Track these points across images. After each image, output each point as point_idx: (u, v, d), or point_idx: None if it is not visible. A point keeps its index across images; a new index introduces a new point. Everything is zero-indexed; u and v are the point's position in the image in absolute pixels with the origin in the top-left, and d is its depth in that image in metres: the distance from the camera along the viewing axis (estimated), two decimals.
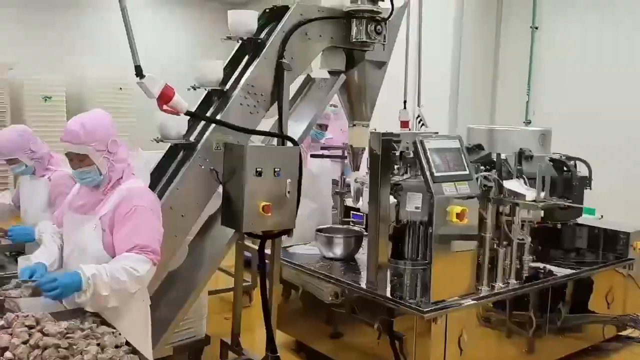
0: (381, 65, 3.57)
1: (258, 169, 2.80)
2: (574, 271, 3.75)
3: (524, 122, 6.85)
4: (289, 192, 2.91)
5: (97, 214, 2.24)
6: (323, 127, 4.73)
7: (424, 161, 2.87)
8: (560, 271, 3.68)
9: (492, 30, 7.07)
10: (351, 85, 3.53)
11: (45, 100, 8.38)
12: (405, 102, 4.65)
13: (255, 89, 3.00)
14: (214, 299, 4.37)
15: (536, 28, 6.77)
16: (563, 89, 6.54)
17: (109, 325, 2.00)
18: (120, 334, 1.89)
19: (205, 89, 3.00)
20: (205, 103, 3.09)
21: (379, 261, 3.18)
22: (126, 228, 2.16)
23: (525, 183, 3.28)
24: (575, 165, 3.95)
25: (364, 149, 3.59)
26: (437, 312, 2.86)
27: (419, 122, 4.78)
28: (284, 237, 4.67)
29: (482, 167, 3.21)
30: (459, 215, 2.84)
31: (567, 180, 3.81)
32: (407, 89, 4.66)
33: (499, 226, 3.22)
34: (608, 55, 6.14)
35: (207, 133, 2.89)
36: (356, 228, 3.88)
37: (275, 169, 2.86)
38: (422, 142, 2.90)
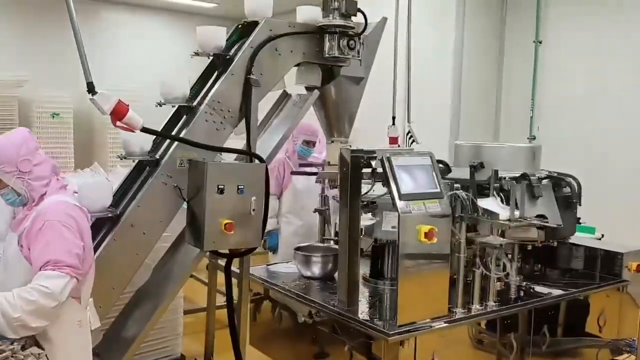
0: (358, 80, 3.52)
1: (220, 186, 2.75)
2: (563, 292, 3.61)
3: (527, 139, 6.72)
4: (253, 210, 2.85)
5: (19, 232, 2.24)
6: (310, 144, 4.68)
7: (391, 179, 2.79)
8: (549, 292, 3.55)
9: (494, 44, 6.97)
10: (328, 101, 3.49)
11: (54, 117, 8.48)
12: (394, 117, 4.58)
13: (222, 105, 2.96)
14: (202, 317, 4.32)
15: (540, 42, 6.65)
16: (568, 104, 6.40)
17: (39, 346, 1.97)
18: (45, 355, 1.85)
19: (172, 105, 2.97)
20: (174, 119, 3.06)
21: (351, 280, 3.09)
22: (40, 244, 2.14)
23: (502, 201, 3.18)
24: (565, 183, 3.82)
25: None
26: (403, 335, 2.76)
27: (410, 139, 4.70)
28: (269, 254, 4.62)
29: (456, 185, 3.12)
30: (428, 235, 2.75)
31: (563, 199, 3.68)
32: (396, 104, 4.59)
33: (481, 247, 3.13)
34: (615, 69, 5.99)
35: (170, 149, 2.86)
36: (335, 246, 3.79)
37: (239, 187, 2.81)
38: (389, 159, 2.83)
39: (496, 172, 3.32)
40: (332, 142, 3.57)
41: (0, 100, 7.81)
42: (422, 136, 4.98)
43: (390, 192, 2.80)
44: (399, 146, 4.60)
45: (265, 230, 4.78)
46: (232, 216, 2.79)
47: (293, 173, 4.31)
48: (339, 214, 3.13)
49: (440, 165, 3.32)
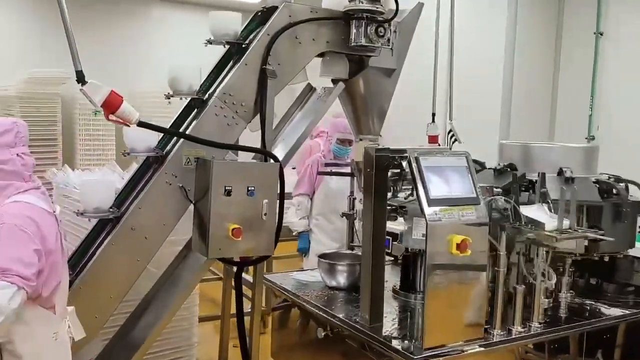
0: (390, 72, 3.19)
1: (227, 187, 2.49)
2: (622, 312, 3.17)
3: (586, 139, 6.20)
4: (265, 214, 2.58)
5: None
6: (346, 143, 4.38)
7: (418, 181, 2.46)
8: (605, 311, 3.13)
9: (551, 36, 6.47)
10: (355, 95, 3.17)
11: (96, 114, 8.49)
12: (433, 114, 4.22)
13: (234, 98, 2.70)
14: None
15: (601, 34, 6.11)
16: (632, 101, 5.84)
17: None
18: None
19: (180, 98, 2.73)
20: (185, 114, 2.82)
21: (375, 295, 2.77)
22: None
23: (550, 209, 2.78)
24: (627, 189, 3.37)
25: None
26: None
27: (451, 138, 4.32)
28: (303, 258, 4.35)
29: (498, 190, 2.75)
30: (460, 246, 2.40)
31: (615, 206, 3.25)
32: (437, 100, 4.22)
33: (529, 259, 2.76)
34: None
35: (175, 146, 2.62)
36: None
37: (249, 188, 2.54)
38: (417, 159, 2.49)
39: (543, 175, 2.93)
40: (360, 140, 3.25)
41: (43, 98, 7.85)
42: (468, 136, 4.60)
43: (417, 196, 2.46)
44: (439, 145, 4.24)
45: (296, 232, 4.62)
46: (241, 221, 2.52)
47: (320, 173, 4.05)
48: (362, 219, 2.81)
49: (478, 167, 2.95)
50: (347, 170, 3.71)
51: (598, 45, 6.13)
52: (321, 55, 3.04)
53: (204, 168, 2.56)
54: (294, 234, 4.50)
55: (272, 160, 2.68)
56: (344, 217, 3.61)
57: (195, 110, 2.75)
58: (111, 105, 2.20)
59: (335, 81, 3.14)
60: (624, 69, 5.91)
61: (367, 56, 3.06)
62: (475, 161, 2.69)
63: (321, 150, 4.46)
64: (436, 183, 2.49)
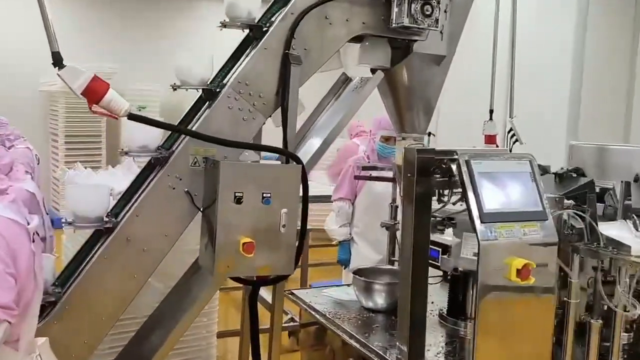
0: (439, 60, 2.71)
1: (237, 194, 2.09)
2: None
3: None
4: (284, 226, 2.16)
5: None
6: (392, 141, 3.88)
7: (469, 190, 1.98)
8: None
9: (627, 28, 5.78)
10: (398, 87, 2.72)
11: (140, 109, 8.32)
12: (491, 111, 3.69)
13: (250, 88, 2.30)
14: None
15: None
16: None
17: None
18: None
19: (187, 89, 2.35)
20: (196, 107, 2.44)
21: (415, 323, 2.31)
22: None
23: (636, 227, 2.25)
24: None
25: None
26: None
27: (512, 138, 3.79)
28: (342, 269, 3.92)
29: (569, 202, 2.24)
30: (522, 273, 1.92)
31: None
32: (495, 95, 3.70)
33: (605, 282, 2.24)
34: None
35: (180, 145, 2.24)
36: None
37: (265, 195, 2.14)
38: (468, 164, 2.02)
39: (627, 184, 2.40)
40: (403, 139, 2.80)
41: None
42: (530, 136, 4.05)
43: (468, 209, 1.99)
44: (497, 146, 3.72)
45: (337, 241, 4.17)
46: (254, 234, 2.12)
47: (357, 177, 3.59)
48: (401, 232, 2.35)
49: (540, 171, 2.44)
50: (390, 174, 3.26)
51: None
52: (358, 39, 2.61)
53: (213, 170, 2.17)
54: (334, 242, 4.06)
55: (293, 162, 2.27)
56: (384, 227, 3.15)
57: (207, 103, 2.36)
58: (94, 93, 1.84)
59: (375, 71, 2.71)
60: None
61: (412, 40, 2.60)
62: (538, 165, 2.19)
63: (364, 151, 3.99)
64: (492, 193, 2.01)
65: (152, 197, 2.19)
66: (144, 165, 2.35)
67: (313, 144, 2.56)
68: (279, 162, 2.40)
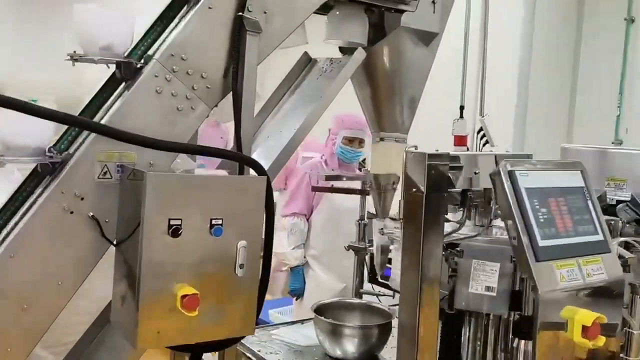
0: (429, 39, 2.12)
1: (172, 221, 1.38)
2: None
3: (612, 143, 5.27)
4: (242, 266, 1.47)
5: None
6: (355, 143, 3.21)
7: (516, 214, 1.39)
8: None
9: (571, 22, 5.52)
10: (377, 72, 2.10)
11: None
12: (462, 108, 3.16)
13: (188, 64, 1.58)
14: None
15: (632, 20, 5.19)
16: None
17: None
18: None
19: (96, 61, 1.58)
20: (108, 90, 1.68)
21: None
22: None
23: None
24: None
25: (396, 180, 2.16)
26: None
27: (481, 139, 3.28)
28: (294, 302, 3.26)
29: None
30: (590, 332, 1.34)
31: None
32: (466, 90, 3.17)
33: None
34: None
35: (82, 146, 1.49)
36: (383, 306, 2.38)
37: (214, 221, 1.43)
38: (511, 175, 1.42)
39: None
40: (381, 140, 2.18)
41: None
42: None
43: (514, 240, 1.39)
44: (467, 149, 3.20)
45: (288, 267, 3.39)
46: (199, 280, 1.41)
47: (315, 189, 2.88)
48: (401, 267, 1.72)
49: None
50: (357, 185, 2.63)
51: (629, 34, 5.20)
52: (326, 9, 1.97)
53: (133, 185, 1.44)
54: (284, 269, 3.29)
55: (252, 172, 1.58)
56: (351, 250, 2.50)
57: (123, 84, 1.62)
58: None
59: (346, 50, 2.06)
60: None
61: (398, 10, 1.98)
62: None
63: (321, 155, 3.27)
64: (544, 217, 1.42)
65: (37, 226, 1.42)
66: (27, 176, 1.57)
67: (271, 146, 1.87)
68: (225, 173, 1.71)
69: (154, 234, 1.36)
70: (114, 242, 1.50)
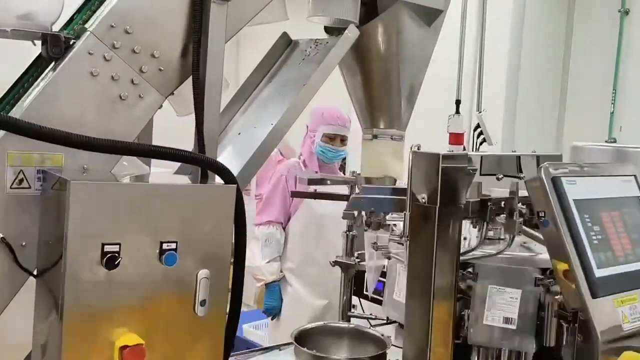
0: (432, 17, 1.78)
1: (107, 247, 1.02)
2: None
3: (606, 142, 5.01)
4: (203, 303, 1.12)
5: None
6: (337, 140, 2.82)
7: (565, 235, 1.05)
8: None
9: (562, 13, 5.25)
10: (370, 56, 1.76)
11: None
12: (458, 102, 2.83)
13: (134, 39, 1.22)
14: None
15: (627, 12, 4.93)
16: None
17: None
18: None
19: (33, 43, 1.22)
20: (32, 73, 1.30)
21: None
22: None
23: None
24: None
25: (391, 183, 1.82)
26: None
27: (478, 137, 2.96)
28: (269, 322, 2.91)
29: None
30: None
31: None
32: (462, 84, 2.84)
33: None
34: None
35: None
36: (376, 331, 2.03)
37: (165, 245, 1.08)
38: (555, 183, 1.09)
39: None
40: (375, 137, 1.84)
41: None
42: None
43: (569, 267, 1.06)
44: (464, 148, 2.88)
45: (263, 283, 2.97)
46: (144, 324, 1.06)
47: (295, 195, 2.51)
48: (406, 296, 1.38)
49: None
50: (344, 190, 2.29)
51: (623, 27, 4.94)
52: None
53: (57, 198, 1.07)
54: (258, 285, 2.89)
55: (218, 180, 1.23)
56: (337, 266, 2.15)
57: (52, 64, 1.25)
58: None
59: (333, 30, 1.71)
60: None
61: None
62: None
63: (298, 154, 2.88)
64: (598, 239, 1.09)
65: None
66: None
67: (242, 145, 1.52)
68: (186, 179, 1.35)
69: (82, 265, 1.01)
70: (34, 272, 1.14)
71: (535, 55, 5.07)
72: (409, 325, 1.34)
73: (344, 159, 3.32)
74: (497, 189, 1.49)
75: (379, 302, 2.43)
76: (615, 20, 4.96)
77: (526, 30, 4.94)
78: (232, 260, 1.21)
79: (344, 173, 3.54)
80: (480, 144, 2.95)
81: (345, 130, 2.78)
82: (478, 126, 2.96)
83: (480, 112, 2.99)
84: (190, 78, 1.28)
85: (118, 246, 1.03)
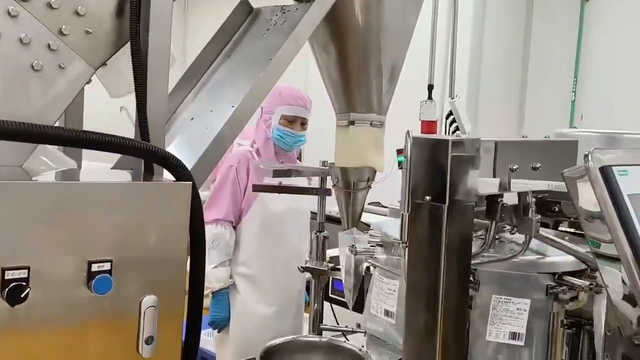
0: None
1: (8, 273, 0.72)
2: None
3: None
4: (149, 340, 0.83)
5: None
6: (297, 124, 2.47)
7: (623, 243, 0.82)
8: None
9: (521, 2, 5.13)
10: (346, 29, 1.50)
11: None
12: (430, 87, 2.61)
13: None
14: None
15: (587, 0, 4.85)
16: (626, 85, 4.61)
17: None
18: None
19: None
20: None
21: None
22: None
23: None
24: None
25: (371, 175, 1.58)
26: None
27: (450, 125, 2.75)
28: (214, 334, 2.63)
29: None
30: None
31: None
32: (434, 69, 2.62)
33: None
34: None
35: None
36: (352, 345, 1.77)
37: (94, 266, 0.79)
38: (606, 174, 0.85)
39: None
40: (351, 123, 1.58)
41: None
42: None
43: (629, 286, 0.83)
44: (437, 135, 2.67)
45: (210, 291, 2.44)
46: None
47: (256, 188, 2.19)
48: (406, 308, 1.13)
49: None
50: (309, 182, 2.01)
51: (583, 15, 4.85)
52: None
53: None
54: (204, 293, 2.48)
55: (167, 175, 0.94)
56: (306, 272, 1.88)
57: None
58: None
59: None
60: (616, 45, 4.67)
61: None
62: None
63: (251, 143, 2.51)
64: None
65: None
66: None
67: (197, 132, 1.23)
68: (126, 175, 1.06)
69: None
70: None
71: (497, 42, 4.94)
72: (410, 352, 1.09)
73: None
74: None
75: (343, 304, 2.18)
76: (576, 7, 4.87)
77: (488, 17, 4.80)
78: (187, 281, 0.93)
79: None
80: (453, 132, 2.75)
81: (307, 112, 2.48)
82: (450, 113, 2.75)
83: (453, 99, 2.78)
84: (128, 45, 0.99)
85: (26, 271, 0.73)
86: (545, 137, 1.23)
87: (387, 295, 1.32)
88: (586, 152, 0.85)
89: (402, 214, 1.06)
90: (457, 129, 2.74)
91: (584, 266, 1.38)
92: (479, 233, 1.32)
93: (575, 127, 4.91)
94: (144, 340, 0.83)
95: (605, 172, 0.84)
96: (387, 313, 1.33)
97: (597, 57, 4.82)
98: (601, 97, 4.79)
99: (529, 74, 5.26)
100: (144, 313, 0.83)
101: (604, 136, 2.10)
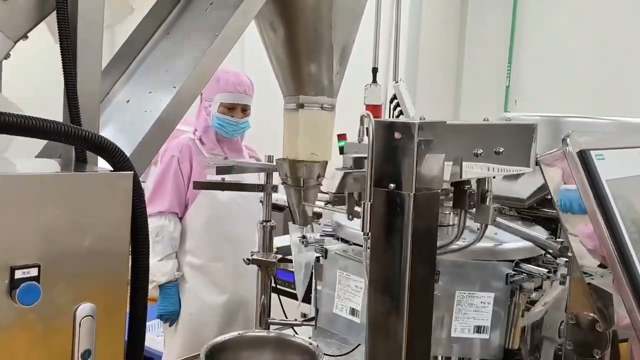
0: None
1: None
2: None
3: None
4: (85, 354, 0.72)
5: None
6: (238, 110, 2.36)
7: (607, 232, 0.77)
8: None
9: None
10: (295, 6, 1.40)
11: None
12: (375, 70, 2.55)
13: None
14: None
15: None
16: (556, 69, 4.73)
17: None
18: None
19: None
20: None
21: None
22: None
23: None
24: None
25: (321, 170, 1.50)
26: None
27: (394, 109, 2.70)
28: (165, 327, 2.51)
29: None
30: None
31: None
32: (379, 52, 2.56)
33: None
34: (621, 26, 4.38)
35: None
36: (304, 340, 1.70)
37: (18, 273, 0.67)
38: (585, 158, 0.80)
39: None
40: (301, 107, 1.49)
41: None
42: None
43: (615, 282, 0.78)
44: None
45: (155, 284, 2.33)
46: None
47: (197, 186, 2.05)
48: (368, 304, 1.06)
49: None
50: (253, 178, 1.90)
51: (517, 2, 4.93)
52: None
53: None
54: (151, 286, 2.30)
55: (103, 164, 0.82)
56: (253, 264, 1.78)
57: None
58: None
59: None
60: (550, 31, 4.78)
61: None
62: None
63: (193, 130, 2.39)
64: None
65: None
66: None
67: (135, 116, 1.11)
68: (55, 164, 0.93)
69: None
70: None
71: (433, 28, 4.96)
72: (374, 348, 1.02)
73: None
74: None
75: (293, 296, 2.11)
76: None
77: (425, 2, 4.81)
78: (128, 284, 0.82)
79: None
80: (397, 117, 2.70)
81: (248, 98, 2.38)
82: (394, 97, 2.71)
83: (397, 82, 2.73)
84: (54, 15, 0.86)
85: None
86: (484, 119, 1.18)
87: (354, 292, 1.24)
88: (564, 135, 0.79)
89: (363, 203, 0.99)
90: (401, 113, 2.70)
91: (540, 252, 1.36)
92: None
93: (509, 112, 5.03)
94: (80, 355, 0.72)
95: (585, 156, 0.79)
96: (352, 312, 1.26)
97: (531, 43, 4.92)
98: (534, 84, 4.91)
99: (465, 60, 5.32)
100: (80, 324, 0.72)
101: (550, 120, 2.11)
